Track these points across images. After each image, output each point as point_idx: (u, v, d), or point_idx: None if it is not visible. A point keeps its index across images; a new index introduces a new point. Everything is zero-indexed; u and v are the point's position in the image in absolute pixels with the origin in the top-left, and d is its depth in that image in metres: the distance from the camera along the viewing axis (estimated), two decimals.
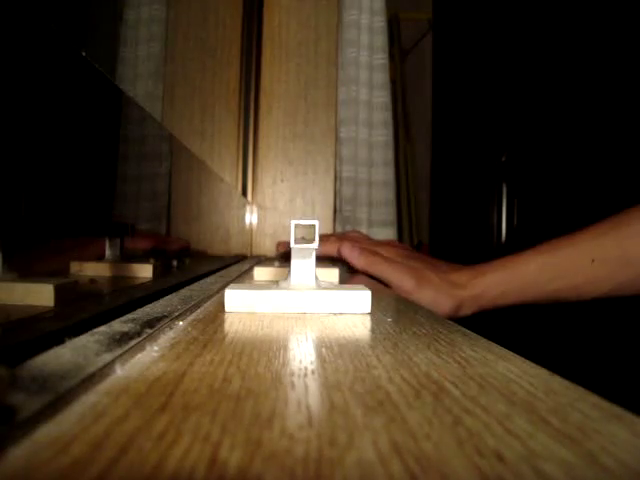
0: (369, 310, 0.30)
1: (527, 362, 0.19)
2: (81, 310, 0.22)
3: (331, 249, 0.65)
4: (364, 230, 1.08)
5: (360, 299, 0.29)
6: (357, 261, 0.61)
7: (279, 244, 0.96)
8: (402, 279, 0.56)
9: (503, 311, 0.59)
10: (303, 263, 0.31)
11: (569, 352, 0.91)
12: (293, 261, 0.31)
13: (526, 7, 1.18)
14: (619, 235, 0.51)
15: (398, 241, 0.94)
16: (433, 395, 0.15)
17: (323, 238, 0.68)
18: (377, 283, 0.56)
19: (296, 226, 0.29)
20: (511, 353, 0.20)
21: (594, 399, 0.15)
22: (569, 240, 0.54)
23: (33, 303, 0.21)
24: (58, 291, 0.21)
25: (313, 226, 0.29)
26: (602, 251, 0.52)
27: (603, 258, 0.51)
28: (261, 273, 0.49)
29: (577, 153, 1.07)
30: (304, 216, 1.09)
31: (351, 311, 0.29)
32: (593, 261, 0.52)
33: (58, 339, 0.18)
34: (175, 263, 0.43)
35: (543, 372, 0.18)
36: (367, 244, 0.68)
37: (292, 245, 0.30)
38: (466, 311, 0.57)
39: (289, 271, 0.31)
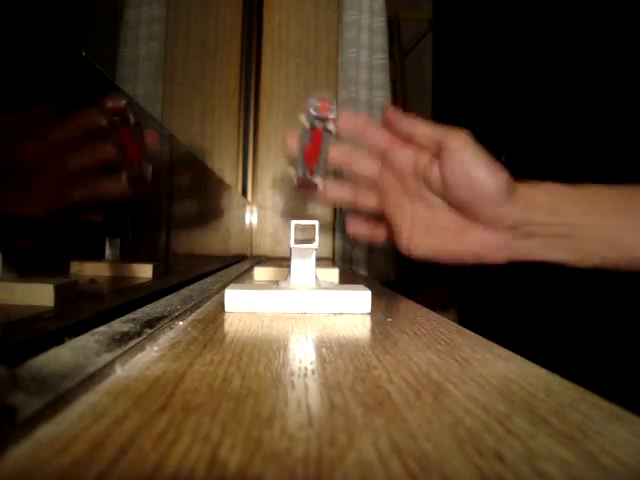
0: (369, 310, 0.30)
1: (527, 362, 0.19)
2: (81, 310, 0.22)
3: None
4: None
5: (360, 299, 0.29)
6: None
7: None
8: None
9: (503, 311, 0.58)
10: (303, 263, 0.31)
11: (569, 352, 0.92)
12: (293, 261, 0.31)
13: (526, 7, 1.18)
14: None
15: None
16: (433, 395, 0.15)
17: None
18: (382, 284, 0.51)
19: (296, 226, 0.29)
20: (511, 353, 0.20)
21: (594, 399, 0.15)
22: None
23: (33, 303, 0.21)
24: (58, 291, 0.21)
25: (313, 226, 0.29)
26: None
27: None
28: (261, 273, 0.49)
29: (578, 153, 1.07)
30: (304, 216, 1.09)
31: (351, 311, 0.29)
32: None
33: (58, 339, 0.18)
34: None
35: (543, 372, 0.18)
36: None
37: (292, 245, 0.30)
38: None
39: (289, 271, 0.31)
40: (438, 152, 0.40)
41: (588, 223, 0.42)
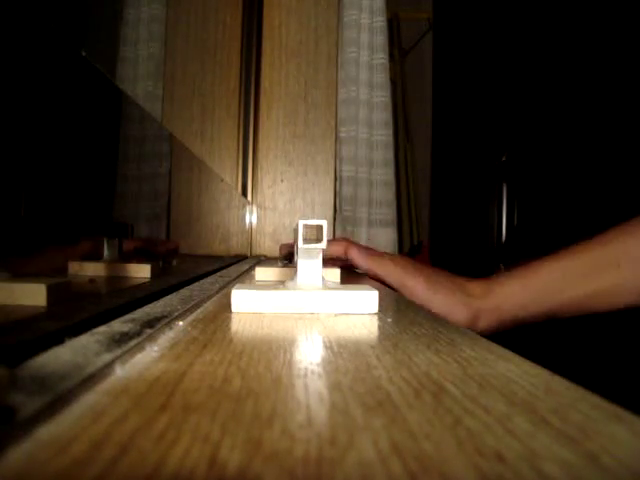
0: (376, 310, 0.29)
1: (527, 362, 0.19)
2: (74, 310, 0.22)
3: (338, 249, 0.61)
4: (364, 230, 1.08)
5: (367, 299, 0.29)
6: (364, 261, 0.58)
7: (282, 247, 0.89)
8: (415, 282, 0.52)
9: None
10: (310, 263, 0.31)
11: (569, 352, 0.91)
12: (300, 261, 0.31)
13: (526, 7, 1.18)
14: None
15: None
16: (433, 395, 0.15)
17: (330, 240, 0.66)
18: (384, 287, 0.54)
19: (304, 226, 0.29)
20: (511, 353, 0.20)
21: (594, 399, 0.15)
22: (590, 244, 0.49)
23: (25, 303, 0.20)
24: (51, 291, 0.21)
25: (320, 226, 0.29)
26: (628, 252, 0.47)
27: (630, 259, 0.47)
28: (262, 273, 0.49)
29: (577, 153, 1.07)
30: (304, 216, 1.09)
31: (358, 311, 0.29)
32: (619, 265, 0.47)
33: (49, 339, 0.18)
34: (174, 262, 0.43)
35: (543, 372, 0.17)
36: (372, 252, 0.63)
37: (300, 245, 0.29)
38: (483, 324, 0.51)
39: (295, 271, 0.31)
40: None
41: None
